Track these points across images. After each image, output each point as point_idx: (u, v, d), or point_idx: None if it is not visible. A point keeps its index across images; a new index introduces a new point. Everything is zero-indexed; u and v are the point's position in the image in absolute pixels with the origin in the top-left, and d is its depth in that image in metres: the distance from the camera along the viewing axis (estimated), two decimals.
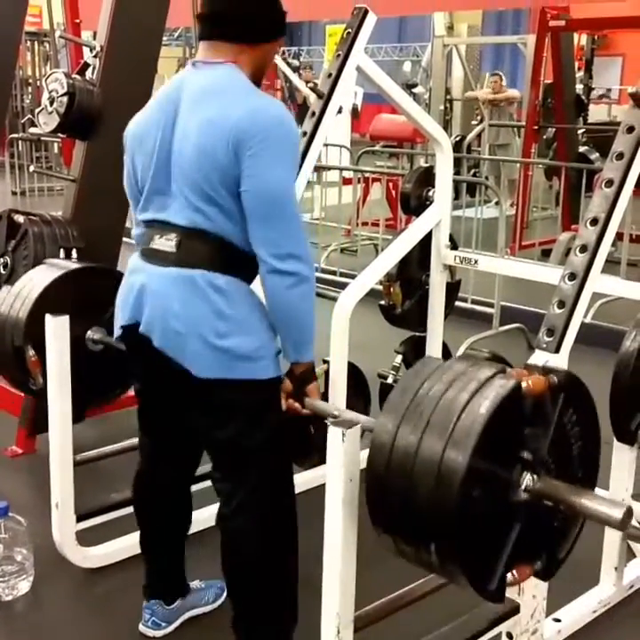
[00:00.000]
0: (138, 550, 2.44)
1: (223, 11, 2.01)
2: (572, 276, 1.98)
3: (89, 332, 2.68)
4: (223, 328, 1.92)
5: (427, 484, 1.47)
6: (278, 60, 10.66)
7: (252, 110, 1.90)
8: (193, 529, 2.44)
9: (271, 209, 1.90)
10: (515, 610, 2.08)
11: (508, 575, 1.60)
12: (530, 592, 2.07)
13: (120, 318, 2.09)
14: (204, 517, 2.47)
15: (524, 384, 1.51)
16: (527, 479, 1.54)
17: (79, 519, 2.64)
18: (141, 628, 2.39)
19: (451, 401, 1.50)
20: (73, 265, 2.87)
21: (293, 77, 8.31)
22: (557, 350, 1.93)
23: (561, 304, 1.96)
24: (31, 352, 2.62)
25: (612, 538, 2.48)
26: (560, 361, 1.91)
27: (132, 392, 2.77)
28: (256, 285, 2.02)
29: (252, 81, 2.02)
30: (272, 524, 2.07)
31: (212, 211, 1.92)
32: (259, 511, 2.06)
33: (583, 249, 2.00)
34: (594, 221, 2.02)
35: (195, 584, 2.49)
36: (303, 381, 2.06)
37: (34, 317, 2.61)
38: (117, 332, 2.12)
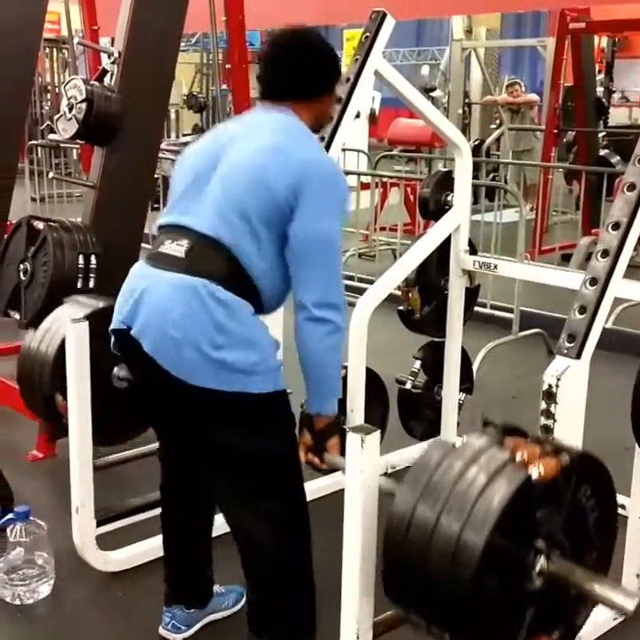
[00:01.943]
0: (157, 554, 2.45)
1: (283, 76, 2.08)
2: (594, 281, 1.97)
3: (115, 370, 2.67)
4: (220, 340, 1.88)
5: (443, 564, 1.48)
6: None
7: (316, 158, 1.99)
8: (219, 531, 2.44)
9: (320, 254, 1.94)
10: None
11: None
12: None
13: (114, 321, 2.04)
14: (222, 522, 2.46)
15: (534, 474, 1.51)
16: (541, 562, 1.53)
17: (99, 523, 2.65)
18: (161, 631, 2.40)
19: (465, 490, 1.51)
20: (98, 303, 2.84)
21: None
22: (579, 356, 1.92)
23: (582, 309, 1.95)
24: (60, 398, 2.64)
25: (633, 545, 2.45)
26: (581, 367, 1.90)
27: None
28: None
29: (312, 129, 2.10)
30: (283, 535, 2.04)
31: (239, 224, 1.92)
32: (267, 521, 2.03)
33: (605, 254, 1.98)
34: (616, 226, 2.00)
35: (215, 589, 2.49)
36: (324, 436, 2.04)
37: (61, 360, 2.62)
38: (111, 333, 2.08)
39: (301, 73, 2.07)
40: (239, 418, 1.95)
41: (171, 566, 2.40)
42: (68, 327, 2.47)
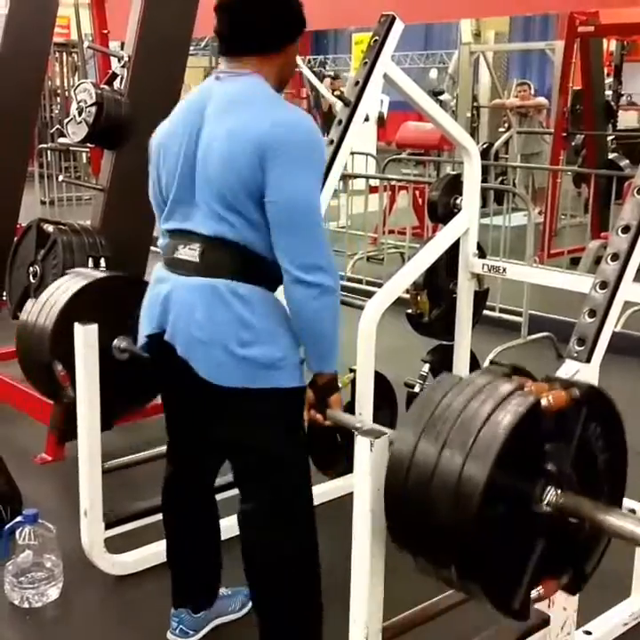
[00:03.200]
0: (165, 558, 2.44)
1: (239, 27, 1.99)
2: (604, 285, 1.96)
3: (115, 341, 2.69)
4: (246, 337, 1.92)
5: (446, 499, 1.46)
6: (304, 68, 10.71)
7: (278, 122, 1.91)
8: (227, 535, 2.44)
9: (295, 219, 1.90)
10: (545, 622, 2.05)
11: (534, 591, 1.57)
12: (560, 604, 2.05)
13: (145, 327, 2.09)
14: (230, 525, 2.47)
15: (544, 401, 1.49)
16: (550, 494, 1.51)
17: (108, 526, 2.65)
18: (169, 635, 2.40)
19: (470, 419, 1.49)
20: (98, 274, 2.88)
21: (319, 85, 8.33)
22: (588, 360, 1.91)
23: (592, 313, 1.94)
24: (59, 367, 2.64)
25: None
26: (591, 371, 1.89)
27: (159, 400, 2.78)
28: (279, 294, 2.02)
29: (278, 85, 2.03)
30: (293, 532, 2.07)
31: (235, 220, 1.93)
32: (280, 518, 2.06)
33: (614, 257, 1.98)
34: (625, 229, 2.00)
35: (221, 591, 2.49)
36: (325, 392, 2.06)
37: (60, 327, 2.63)
38: (142, 340, 2.12)
39: (259, 26, 1.97)
40: (266, 414, 1.99)
41: (175, 569, 2.41)
42: (77, 331, 2.47)
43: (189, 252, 1.99)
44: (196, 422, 2.20)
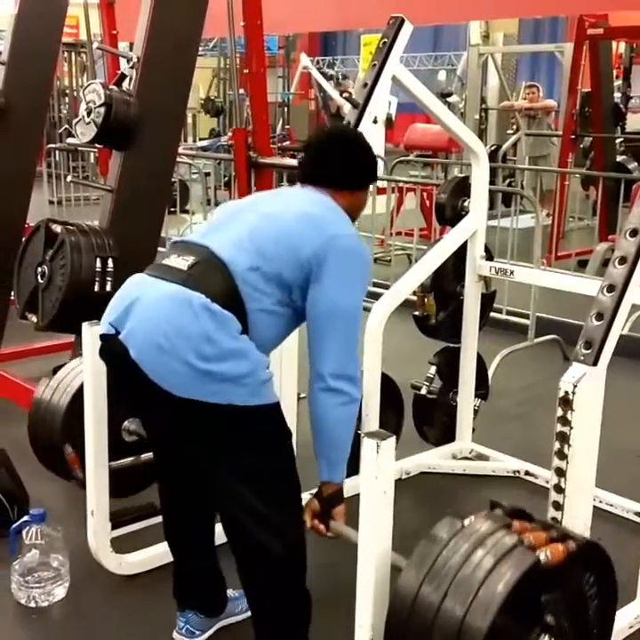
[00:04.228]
0: (172, 558, 2.45)
1: (326, 163, 2.17)
2: (611, 288, 1.96)
3: (125, 423, 2.69)
4: (208, 351, 1.86)
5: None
6: (313, 69, 10.71)
7: (345, 234, 2.02)
8: (223, 539, 2.44)
9: (340, 327, 1.97)
10: None
11: None
12: None
13: (102, 324, 2.02)
14: None
15: (542, 557, 1.52)
16: None
17: (114, 526, 2.66)
18: (175, 635, 2.40)
19: (471, 573, 1.52)
20: None
21: (327, 87, 8.33)
22: (595, 363, 1.91)
23: (599, 316, 1.94)
24: (69, 450, 2.65)
25: None
26: (598, 374, 1.89)
27: None
28: None
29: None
30: (278, 548, 2.02)
31: (257, 261, 1.96)
32: (262, 533, 2.01)
33: (622, 260, 1.98)
34: (634, 232, 2.00)
35: (228, 593, 2.49)
36: (331, 503, 2.04)
37: (73, 407, 2.64)
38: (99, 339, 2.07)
39: (345, 166, 2.17)
40: (226, 431, 1.93)
41: (179, 573, 2.41)
42: (83, 330, 2.48)
43: (180, 262, 1.98)
44: (158, 428, 2.19)
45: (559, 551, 1.55)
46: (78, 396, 2.64)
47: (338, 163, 2.18)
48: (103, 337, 2.03)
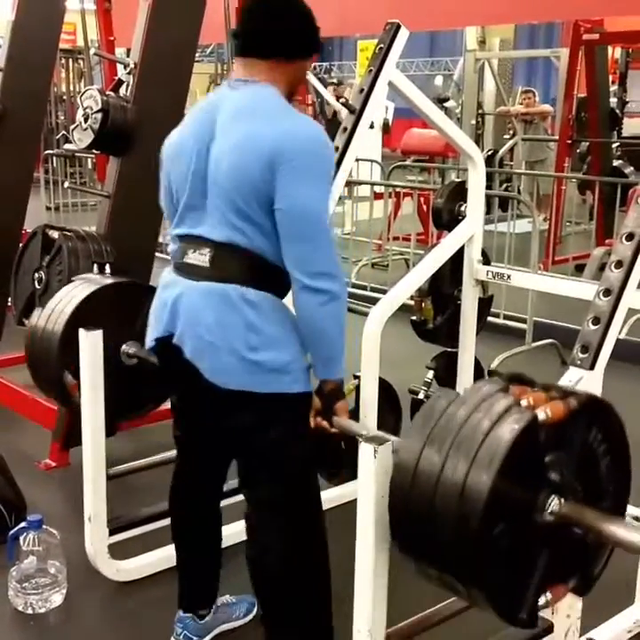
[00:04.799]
0: (169, 564, 2.45)
1: (259, 28, 2.03)
2: (608, 292, 1.96)
3: (124, 346, 2.69)
4: (255, 341, 1.94)
5: (450, 507, 1.46)
6: (309, 75, 10.72)
7: (289, 130, 1.93)
8: (229, 542, 2.44)
9: (304, 227, 1.92)
10: (548, 629, 2.05)
11: (542, 598, 1.57)
12: (564, 611, 2.05)
13: (154, 331, 2.11)
14: (234, 532, 2.47)
15: (541, 415, 1.49)
16: (553, 504, 1.51)
17: (112, 532, 2.65)
18: None
19: (470, 435, 1.49)
20: (106, 280, 2.89)
21: (324, 92, 8.34)
22: (592, 367, 1.91)
23: (596, 320, 1.95)
24: (69, 377, 2.64)
25: None
26: (595, 378, 1.89)
27: (164, 406, 2.79)
28: (288, 300, 2.03)
29: (287, 96, 2.04)
30: (300, 537, 2.08)
31: (246, 227, 1.94)
32: (286, 522, 2.07)
33: (619, 265, 1.98)
34: (630, 237, 2.00)
35: (226, 599, 2.49)
36: (331, 399, 2.06)
37: (69, 334, 2.63)
38: (150, 344, 2.14)
39: (281, 28, 2.02)
40: (273, 419, 2.00)
41: (184, 574, 2.41)
42: (81, 336, 2.48)
43: (200, 257, 2.01)
44: (204, 425, 2.21)
45: (559, 408, 1.51)
46: (73, 318, 2.65)
47: (272, 24, 2.01)
48: (158, 341, 2.10)
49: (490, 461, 1.43)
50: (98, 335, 2.48)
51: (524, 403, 1.51)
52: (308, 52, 2.10)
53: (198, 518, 2.36)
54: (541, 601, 1.57)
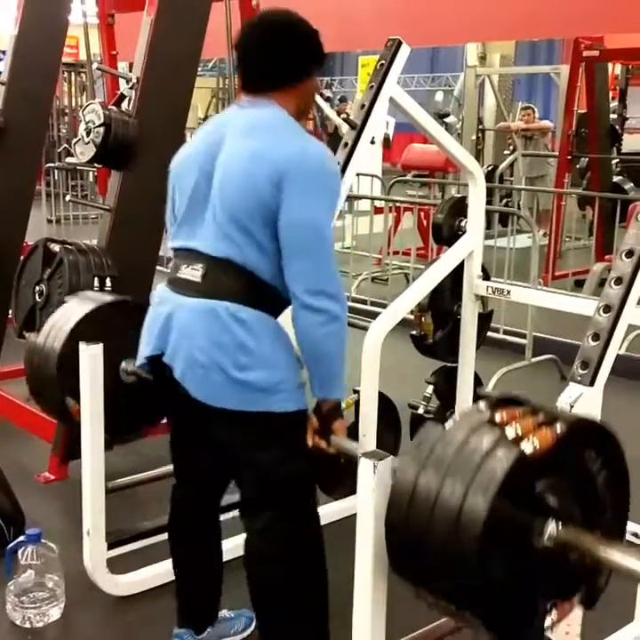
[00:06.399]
0: (168, 578, 2.44)
1: (261, 65, 2.05)
2: (607, 309, 1.97)
3: (123, 364, 2.69)
4: (244, 361, 1.93)
5: (447, 529, 1.46)
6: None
7: (297, 150, 1.95)
8: (229, 557, 2.43)
9: (306, 241, 1.93)
10: None
11: (548, 618, 1.56)
12: (562, 628, 2.04)
13: (145, 348, 2.10)
14: (232, 547, 2.46)
15: (528, 448, 1.47)
16: (550, 529, 1.50)
17: (110, 546, 2.65)
18: None
19: (462, 469, 1.48)
20: (107, 297, 2.87)
21: (325, 107, 8.38)
22: (592, 383, 1.91)
23: (596, 336, 1.95)
24: (72, 402, 2.64)
25: None
26: (594, 394, 1.89)
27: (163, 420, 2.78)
28: (284, 317, 2.03)
29: (296, 115, 2.07)
30: (296, 553, 2.07)
31: (244, 241, 1.94)
32: (283, 541, 2.06)
33: (618, 281, 1.99)
34: (629, 253, 2.01)
35: (224, 613, 2.48)
36: (329, 419, 2.05)
37: (68, 350, 2.62)
38: (141, 361, 2.13)
39: (283, 61, 2.03)
40: (262, 437, 1.99)
41: (182, 589, 2.39)
42: (81, 352, 2.48)
43: (192, 273, 2.01)
44: (199, 443, 2.20)
45: (547, 437, 1.49)
46: (73, 335, 2.61)
47: (270, 58, 2.02)
48: (150, 359, 2.09)
49: (483, 494, 1.43)
50: (98, 349, 2.47)
51: (510, 433, 1.51)
52: (309, 72, 2.10)
53: (199, 536, 2.35)
54: (547, 622, 1.56)
